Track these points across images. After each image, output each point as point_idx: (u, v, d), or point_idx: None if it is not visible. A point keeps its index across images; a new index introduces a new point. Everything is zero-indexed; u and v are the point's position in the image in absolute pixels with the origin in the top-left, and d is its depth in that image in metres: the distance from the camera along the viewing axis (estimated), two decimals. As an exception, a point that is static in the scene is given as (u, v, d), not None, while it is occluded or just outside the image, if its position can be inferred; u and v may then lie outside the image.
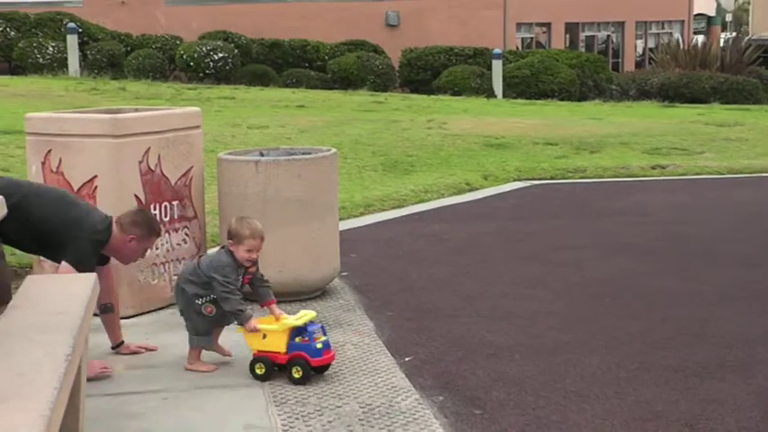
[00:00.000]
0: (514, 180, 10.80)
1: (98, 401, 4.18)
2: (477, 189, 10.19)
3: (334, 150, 6.05)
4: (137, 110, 5.99)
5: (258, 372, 4.48)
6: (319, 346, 4.39)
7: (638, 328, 5.31)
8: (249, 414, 4.11)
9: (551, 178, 10.97)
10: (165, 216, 5.67)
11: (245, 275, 4.60)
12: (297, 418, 4.04)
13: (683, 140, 13.66)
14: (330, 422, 3.99)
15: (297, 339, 4.42)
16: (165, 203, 5.67)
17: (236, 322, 4.60)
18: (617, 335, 5.19)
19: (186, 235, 5.84)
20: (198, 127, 5.89)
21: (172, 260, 5.74)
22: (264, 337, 4.49)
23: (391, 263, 6.94)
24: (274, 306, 4.63)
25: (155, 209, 5.58)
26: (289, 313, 4.67)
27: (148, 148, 5.52)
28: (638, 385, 4.42)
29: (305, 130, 13.18)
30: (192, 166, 5.80)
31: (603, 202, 9.52)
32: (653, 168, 11.53)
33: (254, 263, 4.60)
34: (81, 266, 4.44)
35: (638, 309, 5.69)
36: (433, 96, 20.91)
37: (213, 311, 4.60)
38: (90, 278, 3.91)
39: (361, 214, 8.73)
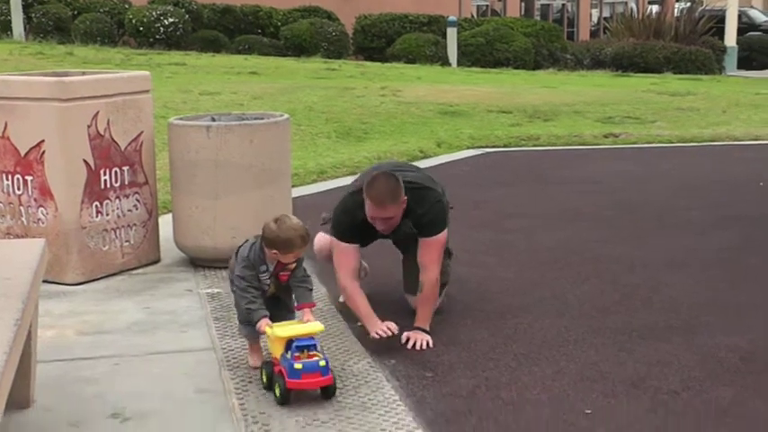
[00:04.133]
0: (468, 148, 10.83)
1: (49, 367, 4.16)
2: (430, 156, 10.21)
3: (286, 116, 6.03)
4: (84, 73, 5.91)
5: (262, 377, 4.02)
6: (298, 366, 3.80)
7: (587, 294, 5.38)
8: (201, 378, 4.11)
9: (505, 146, 11.02)
10: (116, 182, 5.63)
11: (283, 272, 4.12)
12: (250, 382, 4.05)
13: (635, 109, 13.78)
14: (282, 386, 4.01)
15: (288, 353, 3.87)
16: (116, 169, 5.62)
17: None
18: (567, 299, 5.26)
19: (137, 201, 5.80)
20: (148, 91, 5.84)
21: (123, 226, 5.70)
22: (271, 341, 4.03)
23: (344, 229, 6.93)
24: (308, 311, 4.11)
25: (105, 174, 5.54)
26: (319, 319, 4.20)
27: (97, 113, 5.46)
28: (587, 348, 4.49)
29: (257, 96, 13.10)
30: (142, 132, 5.76)
31: (556, 170, 9.59)
32: (605, 137, 11.62)
33: (297, 262, 4.13)
34: None
35: (588, 274, 5.76)
36: (387, 64, 20.85)
37: None
38: (39, 244, 3.89)
39: (314, 181, 8.72)
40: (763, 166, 9.80)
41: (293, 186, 6.70)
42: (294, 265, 4.10)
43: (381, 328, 4.40)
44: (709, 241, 6.65)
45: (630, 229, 7.02)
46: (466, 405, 3.84)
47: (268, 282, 4.12)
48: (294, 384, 3.80)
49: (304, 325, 3.98)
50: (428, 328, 4.56)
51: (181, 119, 6.02)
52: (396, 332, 4.40)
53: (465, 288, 5.44)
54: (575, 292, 5.40)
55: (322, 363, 3.84)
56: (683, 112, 13.84)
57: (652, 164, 9.98)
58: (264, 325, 3.98)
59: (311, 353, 3.86)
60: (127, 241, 5.74)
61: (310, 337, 3.90)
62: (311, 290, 4.18)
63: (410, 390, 4.00)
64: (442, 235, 4.64)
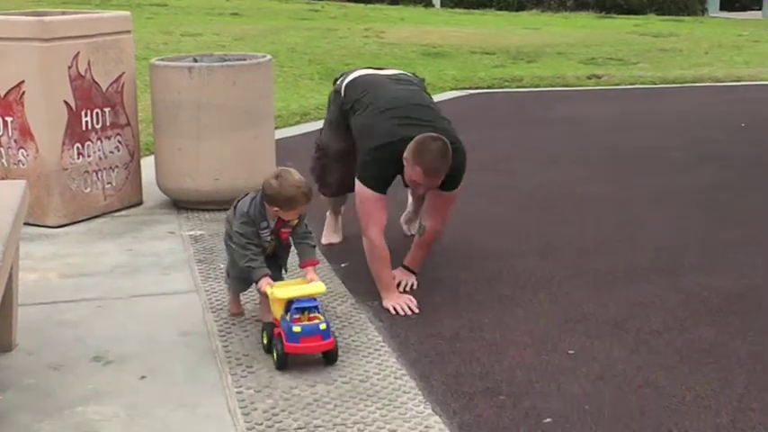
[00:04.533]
0: (452, 89, 10.78)
1: (31, 310, 4.15)
2: (414, 98, 10.14)
3: (269, 57, 5.97)
4: (64, 13, 5.82)
5: (263, 338, 3.80)
6: (296, 329, 3.57)
7: (570, 234, 5.40)
8: (185, 320, 4.11)
9: (488, 87, 10.97)
10: (97, 123, 5.57)
11: (284, 229, 3.91)
12: (233, 324, 4.05)
13: (618, 51, 13.73)
14: (266, 327, 4.01)
15: (287, 315, 3.65)
16: (97, 110, 5.56)
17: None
18: (550, 240, 5.27)
19: (119, 143, 5.75)
20: (129, 32, 5.76)
21: (104, 168, 5.66)
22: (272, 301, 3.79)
23: (327, 171, 6.92)
24: (311, 269, 3.89)
25: (86, 116, 5.48)
26: (323, 279, 4.08)
27: (77, 53, 5.39)
28: (570, 288, 4.51)
29: (239, 38, 12.98)
30: (123, 73, 5.69)
31: (539, 111, 9.57)
32: (588, 78, 11.59)
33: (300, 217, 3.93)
34: None
35: (571, 215, 5.78)
36: (370, 5, 20.68)
37: None
38: (20, 186, 3.85)
39: (298, 123, 8.68)
40: (745, 106, 9.81)
41: (276, 128, 6.67)
42: (296, 221, 3.90)
43: (400, 303, 4.22)
44: (692, 181, 6.67)
45: (613, 169, 7.03)
46: (449, 346, 3.86)
47: (269, 238, 3.90)
48: (292, 348, 3.58)
49: (305, 285, 3.75)
50: (417, 271, 4.55)
51: (162, 60, 5.95)
52: (416, 311, 4.20)
53: (448, 230, 5.43)
54: (558, 234, 5.42)
55: (322, 326, 3.61)
56: (666, 53, 13.81)
57: (635, 105, 9.97)
58: (266, 284, 3.75)
59: (312, 315, 3.65)
60: (109, 183, 5.71)
61: (312, 298, 3.68)
62: (314, 246, 3.97)
63: (394, 331, 4.02)
64: (459, 190, 4.51)
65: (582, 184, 6.56)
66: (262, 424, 3.21)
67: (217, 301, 4.32)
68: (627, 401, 3.38)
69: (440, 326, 4.07)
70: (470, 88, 10.84)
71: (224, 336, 3.94)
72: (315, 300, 3.69)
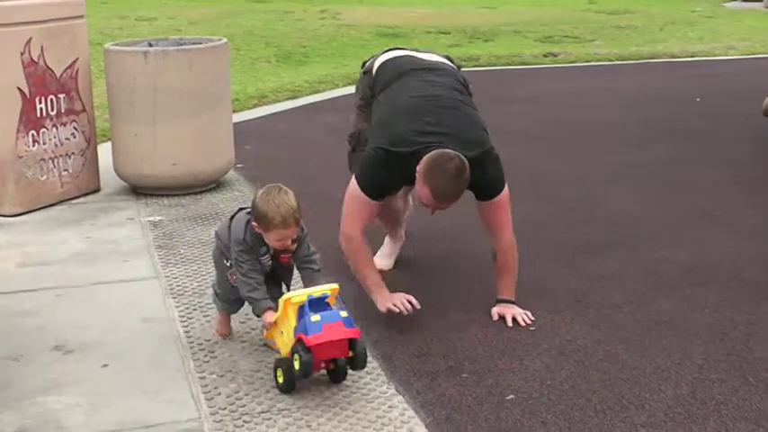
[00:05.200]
0: (409, 69, 10.76)
1: (-11, 300, 4.11)
2: (371, 79, 10.14)
3: (225, 40, 5.93)
4: (15, -1, 5.73)
5: (278, 378, 3.33)
6: (315, 318, 3.19)
7: (527, 211, 5.41)
8: (146, 307, 4.09)
9: (445, 67, 10.96)
10: (52, 110, 5.51)
11: (284, 254, 3.52)
12: (195, 309, 4.04)
13: (574, 29, 13.79)
14: (228, 311, 4.00)
15: (301, 321, 3.28)
16: (51, 96, 5.50)
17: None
18: (509, 218, 5.28)
19: (75, 129, 5.69)
20: (82, 17, 5.69)
21: (61, 155, 5.60)
22: (282, 332, 3.37)
23: (286, 154, 6.91)
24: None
25: (40, 102, 5.42)
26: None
27: (30, 39, 5.32)
28: (528, 265, 4.52)
29: (195, 21, 12.88)
30: (77, 58, 5.62)
31: (497, 90, 9.58)
32: (545, 56, 11.63)
33: (296, 241, 3.49)
34: None
35: (528, 192, 5.80)
36: (326, -14, 20.58)
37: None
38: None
39: (255, 106, 8.64)
40: (700, 82, 9.91)
41: (234, 111, 6.64)
42: (294, 245, 3.48)
43: (397, 302, 3.79)
44: (648, 156, 6.73)
45: (571, 146, 7.07)
46: (411, 326, 3.86)
47: (269, 263, 3.53)
48: (316, 340, 3.16)
49: (323, 288, 3.34)
50: (514, 299, 3.98)
51: (117, 44, 5.89)
52: (417, 308, 3.82)
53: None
54: (516, 210, 5.38)
55: (343, 313, 3.26)
56: (621, 30, 13.90)
57: (591, 82, 10.02)
58: (271, 317, 3.40)
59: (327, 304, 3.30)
60: (65, 170, 5.65)
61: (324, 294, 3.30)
62: (318, 270, 3.54)
63: (356, 314, 4.01)
64: (506, 191, 3.98)
65: (539, 161, 6.60)
66: (225, 408, 3.20)
67: (177, 286, 4.30)
68: (588, 375, 3.42)
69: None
70: (428, 68, 10.83)
71: (185, 321, 3.92)
72: (327, 296, 3.31)
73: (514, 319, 3.88)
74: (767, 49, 12.38)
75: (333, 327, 3.19)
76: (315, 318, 3.19)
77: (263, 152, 6.93)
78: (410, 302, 3.81)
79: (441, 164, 3.64)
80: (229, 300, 3.67)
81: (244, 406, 3.22)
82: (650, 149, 6.93)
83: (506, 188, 3.98)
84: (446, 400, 3.28)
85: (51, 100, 5.49)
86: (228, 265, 3.57)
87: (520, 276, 4.14)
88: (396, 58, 4.28)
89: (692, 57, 11.79)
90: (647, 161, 6.59)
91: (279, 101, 8.89)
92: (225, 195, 5.78)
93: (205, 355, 3.60)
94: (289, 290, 3.61)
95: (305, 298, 3.25)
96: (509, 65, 11.17)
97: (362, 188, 3.86)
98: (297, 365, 3.21)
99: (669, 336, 3.77)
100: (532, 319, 3.88)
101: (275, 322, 3.38)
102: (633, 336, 3.76)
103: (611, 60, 11.52)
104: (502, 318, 3.90)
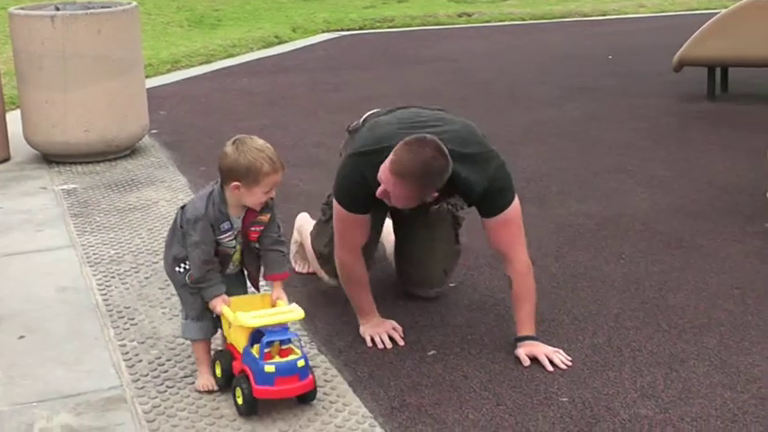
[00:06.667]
0: (323, 32, 10.73)
1: None
2: (286, 42, 10.08)
3: (134, 4, 5.82)
4: None
5: (216, 370, 3.09)
6: (269, 369, 2.86)
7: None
8: (62, 276, 4.03)
9: (360, 29, 10.95)
10: (-44, 78, 5.36)
11: (253, 226, 3.07)
12: (113, 277, 3.99)
13: (487, -12, 13.83)
14: (147, 278, 3.96)
15: (253, 348, 2.92)
16: (-45, 65, 5.35)
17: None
18: (427, 178, 5.31)
19: (-19, 98, 5.55)
20: (-16, -18, 5.53)
21: (-33, 125, 5.46)
22: (230, 326, 3.03)
23: (202, 119, 6.83)
24: (278, 284, 3.15)
25: (-57, 71, 5.26)
26: (290, 297, 3.33)
27: (-70, 6, 5.16)
28: (448, 224, 4.58)
29: (103, -14, 12.59)
30: (-19, 25, 5.47)
31: (412, 50, 9.60)
32: (459, 16, 11.68)
33: (268, 206, 3.07)
34: None
35: (447, 152, 5.84)
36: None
37: None
38: None
39: (169, 71, 8.53)
40: (611, 40, 10.05)
41: (147, 77, 6.54)
42: (267, 216, 3.08)
43: (378, 332, 3.44)
44: (561, 114, 6.82)
45: (485, 105, 7.13)
46: (333, 288, 3.85)
47: (233, 244, 3.07)
48: (264, 393, 2.88)
49: (277, 310, 3.00)
50: (535, 334, 3.35)
51: (23, 8, 5.73)
52: (401, 344, 3.41)
53: (327, 170, 5.44)
54: (435, 171, 5.47)
55: (300, 362, 2.91)
56: (535, -11, 13.98)
57: (505, 41, 10.10)
58: (221, 304, 3.02)
59: (285, 348, 2.96)
60: (-27, 141, 5.51)
61: (284, 326, 2.95)
62: (285, 255, 3.18)
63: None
64: (516, 203, 3.39)
65: (456, 120, 6.63)
66: (147, 375, 3.18)
67: (94, 255, 4.24)
68: (506, 329, 3.47)
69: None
70: (342, 30, 10.80)
71: (103, 289, 3.87)
72: (288, 328, 2.97)
73: (551, 362, 3.24)
74: (676, 7, 12.62)
75: (287, 381, 2.89)
76: (269, 368, 2.86)
77: (177, 117, 6.84)
78: (391, 337, 3.43)
79: (413, 140, 3.18)
80: (208, 315, 3.11)
81: (166, 371, 3.20)
82: (564, 107, 7.03)
83: (516, 200, 3.39)
84: (368, 357, 3.30)
85: (-44, 68, 5.35)
86: (182, 269, 3.07)
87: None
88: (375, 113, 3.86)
89: (603, 15, 11.96)
90: (561, 118, 6.68)
91: (193, 66, 8.78)
92: (140, 162, 5.71)
93: (125, 323, 3.56)
94: (257, 289, 3.28)
95: (261, 324, 2.90)
96: (424, 25, 11.19)
97: (340, 201, 3.42)
98: (238, 399, 2.94)
99: (585, 287, 3.84)
100: (570, 359, 3.27)
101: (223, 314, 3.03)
102: (550, 288, 3.83)
103: (524, 20, 11.62)
104: (534, 361, 3.25)
